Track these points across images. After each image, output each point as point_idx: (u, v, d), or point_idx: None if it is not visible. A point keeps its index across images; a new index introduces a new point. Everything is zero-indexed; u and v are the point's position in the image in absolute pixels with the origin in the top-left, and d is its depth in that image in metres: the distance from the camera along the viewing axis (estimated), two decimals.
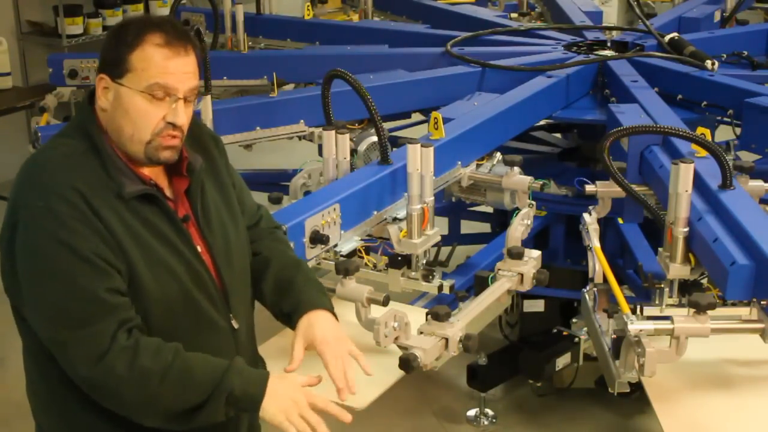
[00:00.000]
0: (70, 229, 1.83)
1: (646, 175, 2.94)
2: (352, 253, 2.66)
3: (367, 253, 2.71)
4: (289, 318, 2.14)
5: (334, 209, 2.47)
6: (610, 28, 4.75)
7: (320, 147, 3.19)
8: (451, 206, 3.85)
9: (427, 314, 2.28)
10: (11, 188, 1.91)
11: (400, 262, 2.67)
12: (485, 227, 4.51)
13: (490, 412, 3.98)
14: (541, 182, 2.88)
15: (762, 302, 2.27)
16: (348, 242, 2.65)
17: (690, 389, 2.29)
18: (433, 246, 2.72)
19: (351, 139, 3.04)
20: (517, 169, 2.90)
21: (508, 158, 2.96)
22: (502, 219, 4.12)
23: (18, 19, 6.47)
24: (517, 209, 2.82)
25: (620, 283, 2.46)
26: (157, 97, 1.89)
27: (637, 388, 2.30)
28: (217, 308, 2.03)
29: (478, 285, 2.59)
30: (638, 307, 2.36)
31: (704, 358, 2.37)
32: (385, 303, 2.34)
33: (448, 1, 5.42)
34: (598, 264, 2.54)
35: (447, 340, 2.24)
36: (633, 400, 3.76)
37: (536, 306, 3.95)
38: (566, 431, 3.96)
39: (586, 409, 4.01)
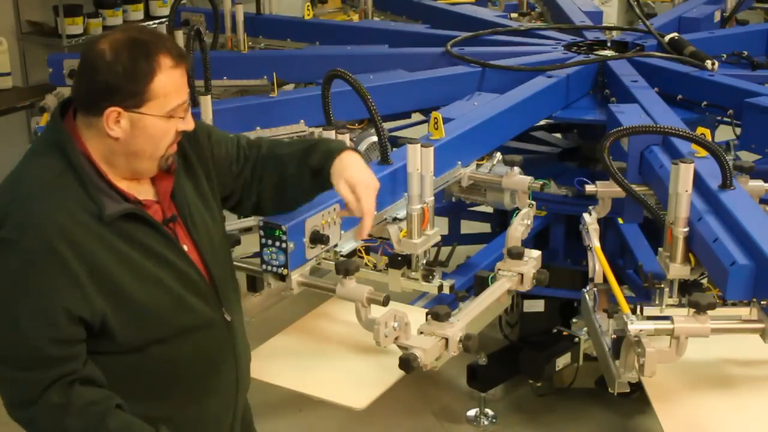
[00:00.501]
0: (36, 272, 1.82)
1: (646, 175, 2.94)
2: (352, 253, 2.66)
3: (367, 253, 2.71)
4: (319, 173, 2.17)
5: (334, 209, 2.47)
6: (610, 28, 4.74)
7: None
8: (451, 206, 3.84)
9: (427, 314, 2.28)
10: None
11: (400, 262, 2.67)
12: (485, 227, 4.51)
13: (490, 412, 3.98)
14: (541, 182, 2.87)
15: (762, 302, 2.27)
16: (348, 242, 2.65)
17: (690, 389, 2.29)
18: (433, 246, 2.72)
19: (351, 139, 3.04)
20: (517, 169, 2.90)
21: (508, 158, 2.96)
22: (502, 219, 4.12)
23: (18, 19, 6.46)
24: (517, 209, 2.82)
25: (620, 283, 2.46)
26: (177, 116, 1.92)
27: (637, 388, 2.30)
28: (210, 304, 2.06)
29: (478, 285, 2.59)
30: (638, 307, 2.36)
31: (704, 358, 2.37)
32: (385, 303, 2.34)
33: (448, 1, 5.41)
34: (598, 264, 2.54)
35: (447, 340, 2.24)
36: (633, 400, 3.76)
37: (536, 306, 3.94)
38: (566, 431, 3.96)
39: (586, 409, 4.01)
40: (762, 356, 2.38)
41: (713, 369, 2.38)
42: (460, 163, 3.00)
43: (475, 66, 3.81)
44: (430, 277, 2.68)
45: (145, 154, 1.93)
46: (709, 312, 2.18)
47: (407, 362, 2.16)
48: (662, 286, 2.57)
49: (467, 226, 4.43)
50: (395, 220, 2.68)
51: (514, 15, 5.11)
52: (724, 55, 3.92)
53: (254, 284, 2.73)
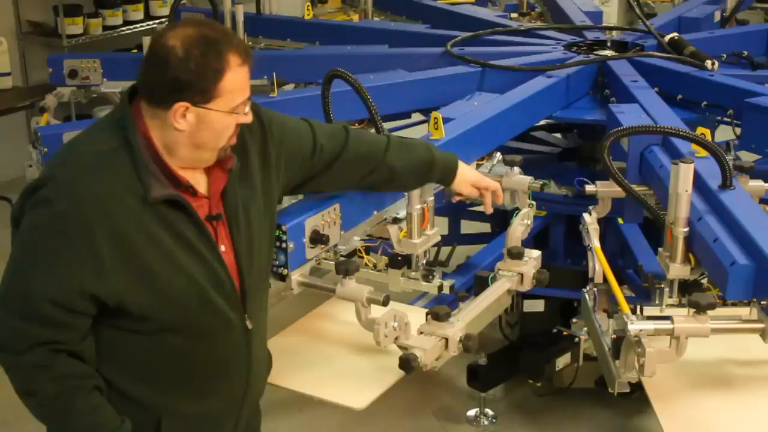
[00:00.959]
0: (62, 237, 1.86)
1: (646, 175, 2.94)
2: (352, 253, 2.66)
3: (367, 253, 2.71)
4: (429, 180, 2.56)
5: (334, 209, 2.47)
6: (610, 28, 4.74)
7: None
8: (451, 206, 3.84)
9: (427, 314, 2.28)
10: (46, 164, 1.93)
11: (400, 262, 2.67)
12: (485, 227, 4.50)
13: (490, 412, 3.98)
14: (541, 182, 2.87)
15: (762, 302, 2.27)
16: (348, 242, 2.65)
17: (690, 389, 2.30)
18: (433, 246, 2.72)
19: None
20: (517, 169, 2.90)
21: (508, 158, 2.95)
22: (502, 219, 4.11)
23: (18, 19, 6.47)
24: (517, 209, 2.82)
25: (620, 283, 2.46)
26: (240, 111, 1.97)
27: (637, 388, 2.30)
28: (233, 308, 2.07)
29: (478, 285, 2.59)
30: (638, 307, 2.36)
31: (704, 358, 2.37)
32: (385, 303, 2.34)
33: (448, 1, 5.41)
34: (598, 264, 2.54)
35: (447, 340, 2.24)
36: (633, 400, 3.75)
37: (536, 306, 3.94)
38: (566, 431, 3.96)
39: (586, 409, 4.01)
40: (762, 356, 2.38)
41: (713, 369, 2.38)
42: None
43: (475, 66, 3.81)
44: (430, 277, 2.68)
45: (207, 146, 1.98)
46: (709, 312, 2.18)
47: (407, 362, 2.16)
48: (662, 286, 2.57)
49: (467, 226, 4.43)
50: (395, 220, 2.68)
51: (514, 15, 5.11)
52: (724, 55, 3.92)
53: None
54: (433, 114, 2.99)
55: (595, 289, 2.50)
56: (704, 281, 2.59)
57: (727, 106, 3.39)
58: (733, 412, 2.24)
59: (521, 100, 3.43)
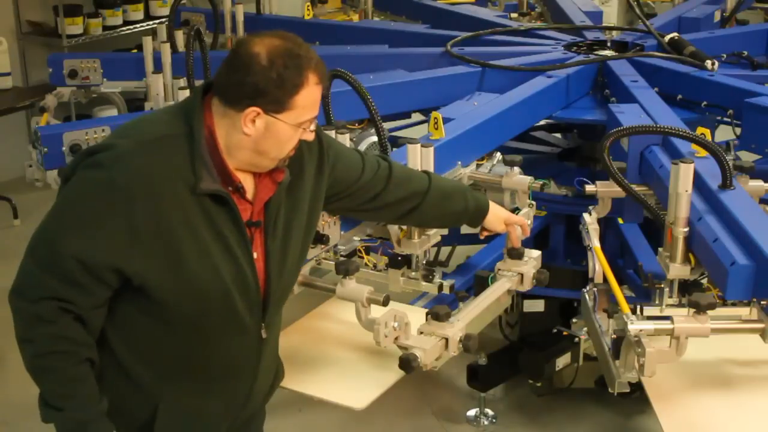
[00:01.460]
0: (103, 203, 1.90)
1: (646, 175, 2.94)
2: (352, 253, 2.66)
3: (367, 253, 2.71)
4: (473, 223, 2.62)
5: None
6: (610, 28, 4.75)
7: None
8: None
9: (427, 314, 2.27)
10: (109, 134, 2.00)
11: (400, 262, 2.67)
12: None
13: (490, 412, 3.98)
14: (541, 182, 2.87)
15: (762, 302, 2.27)
16: (348, 242, 2.65)
17: (690, 389, 2.30)
18: (433, 246, 2.72)
19: (351, 139, 3.04)
20: (517, 169, 2.90)
21: (508, 158, 2.95)
22: None
23: (18, 19, 6.47)
24: (517, 209, 2.82)
25: (620, 283, 2.46)
26: (306, 127, 2.02)
27: (637, 388, 2.30)
28: (253, 315, 2.08)
29: (478, 285, 2.59)
30: (638, 307, 2.35)
31: (704, 358, 2.37)
32: (385, 303, 2.34)
33: (448, 1, 5.42)
34: (598, 264, 2.54)
35: (447, 340, 2.24)
36: (633, 400, 3.76)
37: (536, 306, 3.94)
38: (566, 431, 3.96)
39: (586, 409, 4.01)
40: (762, 356, 2.38)
41: (713, 369, 2.38)
42: (460, 163, 3.00)
43: (475, 66, 3.81)
44: (430, 277, 2.68)
45: (269, 154, 2.01)
46: (709, 312, 2.18)
47: (407, 362, 2.16)
48: (662, 286, 2.57)
49: (467, 227, 4.42)
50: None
51: (514, 15, 5.11)
52: (724, 55, 3.92)
53: None
54: (433, 114, 2.99)
55: (595, 289, 2.49)
56: (704, 281, 2.59)
57: (727, 106, 3.39)
58: (733, 412, 2.24)
59: (521, 100, 3.43)
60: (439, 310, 2.25)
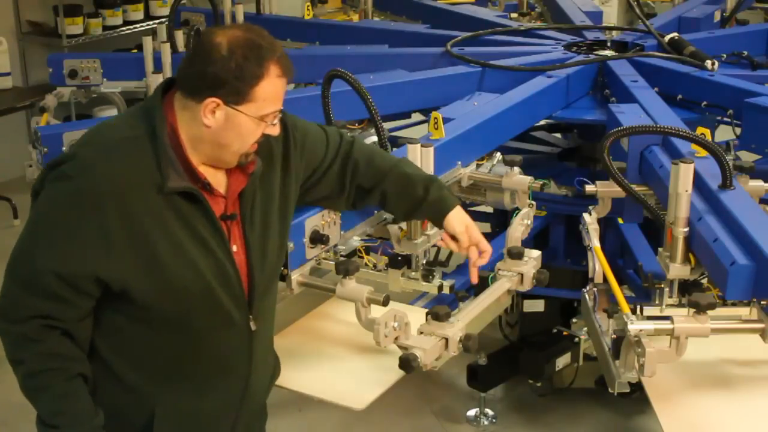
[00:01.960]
0: (74, 214, 1.89)
1: (646, 175, 2.94)
2: (352, 253, 2.66)
3: (367, 253, 2.71)
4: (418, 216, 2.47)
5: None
6: (610, 28, 4.74)
7: None
8: None
9: (427, 314, 2.27)
10: (73, 144, 2.03)
11: (400, 262, 2.67)
12: (485, 227, 4.49)
13: (490, 412, 3.98)
14: (541, 182, 2.87)
15: (762, 302, 2.27)
16: (348, 242, 2.65)
17: (690, 389, 2.29)
18: (433, 246, 2.72)
19: None
20: (517, 169, 2.90)
21: (508, 158, 2.95)
22: (502, 219, 4.12)
23: (18, 19, 6.47)
24: (517, 209, 2.82)
25: (620, 283, 2.45)
26: (269, 121, 1.99)
27: (637, 388, 2.30)
28: (238, 307, 2.07)
29: (478, 285, 2.59)
30: (638, 307, 2.36)
31: (704, 358, 2.37)
32: (385, 303, 2.34)
33: (448, 1, 5.41)
34: (598, 264, 2.54)
35: (447, 340, 2.24)
36: (633, 400, 3.76)
37: (536, 306, 3.94)
38: (566, 431, 3.96)
39: (586, 409, 4.01)
40: (762, 356, 2.38)
41: (713, 369, 2.38)
42: (460, 163, 3.00)
43: (475, 66, 3.80)
44: (430, 277, 2.68)
45: (230, 148, 1.99)
46: (709, 312, 2.18)
47: (407, 362, 2.16)
48: (662, 286, 2.57)
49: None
50: (395, 220, 2.68)
51: (514, 15, 5.11)
52: (724, 55, 3.92)
53: None
54: (433, 114, 2.99)
55: (595, 289, 2.49)
56: (704, 281, 2.59)
57: (727, 106, 3.39)
58: (733, 412, 2.23)
59: (521, 100, 3.43)
60: (439, 310, 2.25)
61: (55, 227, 1.91)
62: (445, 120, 3.02)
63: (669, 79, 3.68)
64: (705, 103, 3.49)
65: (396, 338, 2.23)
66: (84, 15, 6.45)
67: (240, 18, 4.56)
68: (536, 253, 2.64)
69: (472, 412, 4.00)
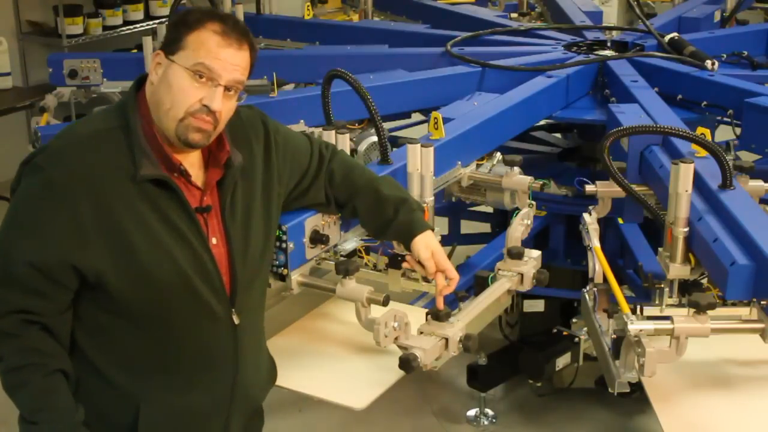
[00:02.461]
0: (47, 204, 1.90)
1: (646, 175, 2.94)
2: (352, 253, 2.66)
3: (367, 253, 2.71)
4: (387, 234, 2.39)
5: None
6: (610, 28, 4.74)
7: None
8: (451, 206, 3.84)
9: (427, 314, 2.28)
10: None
11: (400, 262, 2.66)
12: (485, 227, 4.51)
13: (490, 412, 3.98)
14: (541, 182, 2.88)
15: (762, 302, 2.27)
16: (348, 242, 2.65)
17: (690, 389, 2.29)
18: None
19: (351, 139, 3.05)
20: (517, 169, 2.90)
21: (508, 158, 2.95)
22: (502, 219, 4.12)
23: (18, 19, 6.47)
24: (517, 209, 2.82)
25: (620, 283, 2.45)
26: (199, 77, 1.96)
27: (637, 388, 2.30)
28: (220, 301, 2.05)
29: (478, 285, 2.59)
30: (638, 307, 2.35)
31: (704, 358, 2.37)
32: (385, 303, 2.34)
33: (448, 1, 5.42)
34: (598, 264, 2.54)
35: (447, 340, 2.24)
36: (633, 400, 3.76)
37: (536, 306, 3.95)
38: (566, 431, 3.96)
39: (586, 409, 4.01)
40: (762, 356, 2.38)
41: (713, 369, 2.38)
42: (460, 163, 3.00)
43: (475, 66, 3.81)
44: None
45: (163, 105, 1.98)
46: (709, 312, 2.18)
47: (407, 362, 2.16)
48: (662, 286, 2.57)
49: (467, 226, 4.43)
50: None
51: (514, 15, 5.11)
52: (724, 55, 3.92)
53: None
54: (433, 114, 2.99)
55: (595, 289, 2.49)
56: (704, 281, 2.59)
57: (727, 106, 3.39)
58: (733, 412, 2.23)
59: (521, 100, 3.43)
60: (439, 310, 2.25)
61: (28, 218, 1.91)
62: (445, 120, 3.02)
63: (669, 79, 3.68)
64: (705, 103, 3.49)
65: (396, 338, 2.23)
66: (84, 15, 6.44)
67: (240, 18, 4.54)
68: (536, 253, 2.64)
69: (472, 412, 4.00)
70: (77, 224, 1.89)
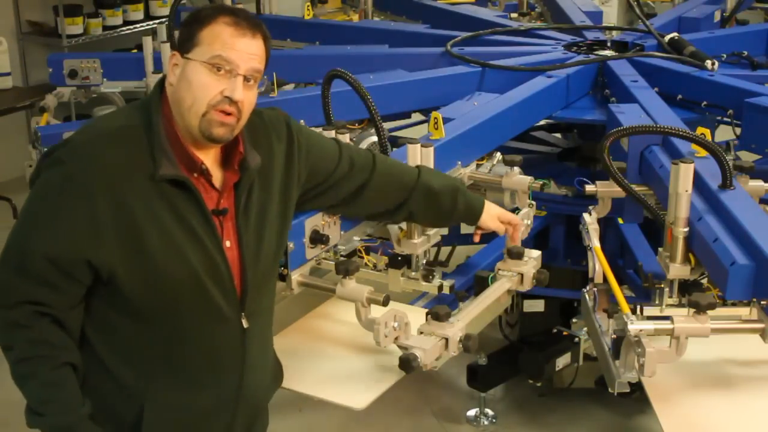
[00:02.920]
0: (65, 198, 1.91)
1: (646, 175, 2.94)
2: (352, 253, 2.66)
3: (367, 253, 2.71)
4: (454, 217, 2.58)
5: None
6: (610, 28, 4.75)
7: None
8: None
9: (427, 314, 2.28)
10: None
11: (400, 262, 2.67)
12: None
13: (490, 412, 3.98)
14: (541, 182, 2.87)
15: (762, 302, 2.27)
16: (348, 242, 2.65)
17: (690, 389, 2.29)
18: (433, 246, 2.72)
19: (351, 139, 3.04)
20: (517, 169, 2.90)
21: (508, 158, 2.95)
22: None
23: (18, 19, 6.47)
24: (517, 209, 2.82)
25: (620, 283, 2.46)
26: (218, 69, 1.96)
27: (637, 388, 2.30)
28: (230, 303, 2.06)
29: (478, 285, 2.59)
30: (638, 307, 2.36)
31: (704, 358, 2.37)
32: (385, 303, 2.34)
33: (448, 1, 5.42)
34: (598, 264, 2.54)
35: (447, 340, 2.24)
36: (633, 400, 3.76)
37: (536, 306, 3.94)
38: (566, 431, 3.96)
39: (586, 409, 4.01)
40: (762, 356, 2.38)
41: (713, 369, 2.38)
42: (460, 163, 3.00)
43: (475, 66, 3.81)
44: (430, 277, 2.68)
45: (185, 103, 1.98)
46: (709, 312, 2.18)
47: (407, 362, 2.16)
48: (662, 286, 2.57)
49: (467, 226, 4.42)
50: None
51: (514, 15, 5.11)
52: (724, 55, 3.92)
53: None
54: (433, 114, 2.99)
55: (595, 289, 2.50)
56: (704, 281, 2.59)
57: (727, 106, 3.39)
58: (733, 412, 2.23)
59: (521, 100, 3.43)
60: (439, 310, 2.25)
61: (46, 210, 1.93)
62: (445, 120, 3.03)
63: (669, 79, 3.68)
64: (705, 103, 3.49)
65: (396, 338, 2.23)
66: (84, 15, 6.45)
67: None
68: (536, 253, 2.64)
69: (472, 412, 4.00)
70: (94, 219, 1.90)
